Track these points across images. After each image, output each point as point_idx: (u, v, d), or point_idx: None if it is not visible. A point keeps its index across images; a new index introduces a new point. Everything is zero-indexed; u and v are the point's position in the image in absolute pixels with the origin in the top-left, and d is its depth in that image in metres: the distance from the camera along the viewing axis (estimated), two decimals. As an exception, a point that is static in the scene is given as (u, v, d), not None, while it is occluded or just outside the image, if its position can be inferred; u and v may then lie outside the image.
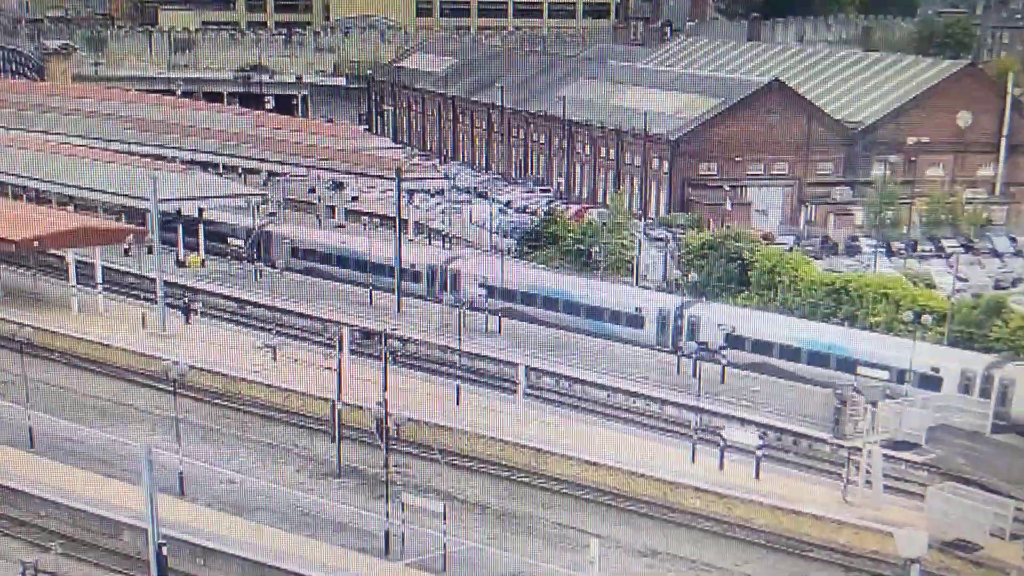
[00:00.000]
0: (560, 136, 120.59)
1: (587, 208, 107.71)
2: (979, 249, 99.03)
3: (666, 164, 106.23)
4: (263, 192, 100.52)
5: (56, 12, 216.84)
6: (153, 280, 73.02)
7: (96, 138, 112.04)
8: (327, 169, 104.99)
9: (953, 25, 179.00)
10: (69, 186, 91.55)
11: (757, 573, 46.95)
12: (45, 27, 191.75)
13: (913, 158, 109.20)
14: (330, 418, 56.84)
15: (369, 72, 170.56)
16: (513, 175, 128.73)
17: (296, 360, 62.81)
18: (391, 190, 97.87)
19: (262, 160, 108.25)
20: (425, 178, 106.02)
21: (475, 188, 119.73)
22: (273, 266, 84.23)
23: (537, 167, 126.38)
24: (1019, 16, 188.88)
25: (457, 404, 60.42)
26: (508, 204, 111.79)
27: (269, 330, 71.60)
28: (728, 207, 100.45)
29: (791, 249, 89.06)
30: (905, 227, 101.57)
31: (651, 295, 77.13)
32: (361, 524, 48.05)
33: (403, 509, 46.22)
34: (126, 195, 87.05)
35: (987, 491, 46.77)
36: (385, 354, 55.82)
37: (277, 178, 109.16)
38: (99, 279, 76.13)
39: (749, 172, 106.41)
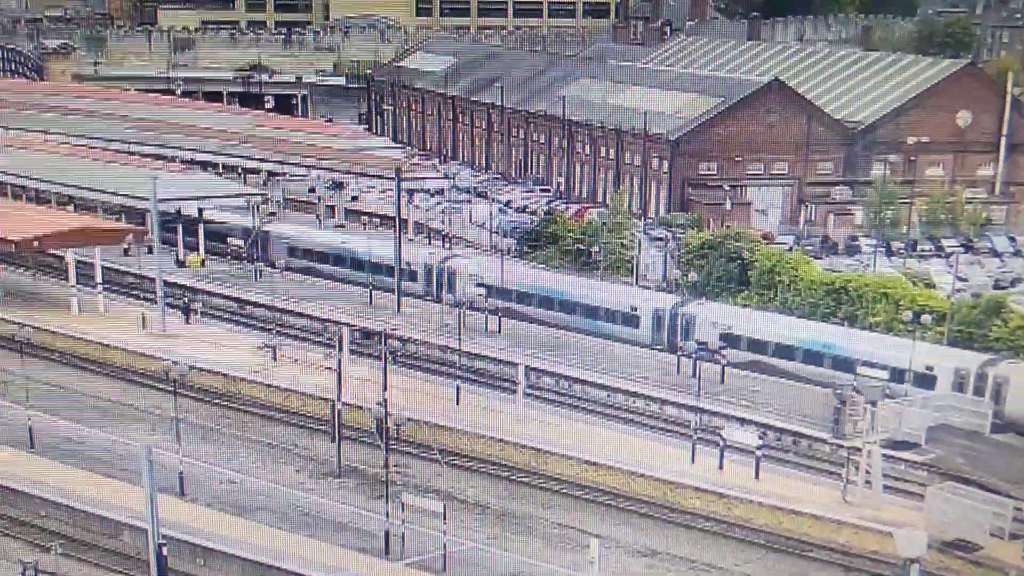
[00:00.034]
0: (560, 136, 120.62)
1: (587, 208, 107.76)
2: (979, 249, 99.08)
3: (666, 164, 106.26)
4: (263, 192, 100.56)
5: (55, 12, 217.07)
6: (153, 280, 73.10)
7: (96, 138, 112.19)
8: (327, 169, 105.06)
9: (953, 24, 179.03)
10: (69, 186, 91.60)
11: (757, 573, 46.95)
12: (44, 26, 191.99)
13: (913, 158, 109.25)
14: (330, 418, 56.87)
15: (369, 72, 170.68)
16: (513, 175, 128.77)
17: (296, 360, 62.85)
18: (391, 190, 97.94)
19: (262, 160, 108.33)
20: (425, 178, 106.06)
21: (475, 188, 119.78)
22: (273, 266, 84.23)
23: (537, 167, 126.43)
24: (1019, 16, 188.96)
25: (457, 404, 60.46)
26: (508, 204, 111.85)
27: (269, 330, 71.63)
28: (728, 207, 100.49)
29: (791, 249, 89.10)
30: (905, 227, 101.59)
31: (646, 294, 77.28)
32: (361, 524, 48.06)
33: (403, 509, 46.24)
34: (126, 195, 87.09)
35: (986, 491, 46.80)
36: (385, 354, 55.77)
37: (277, 178, 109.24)
38: (99, 279, 76.20)
39: (749, 172, 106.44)
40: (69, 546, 45.80)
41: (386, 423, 49.79)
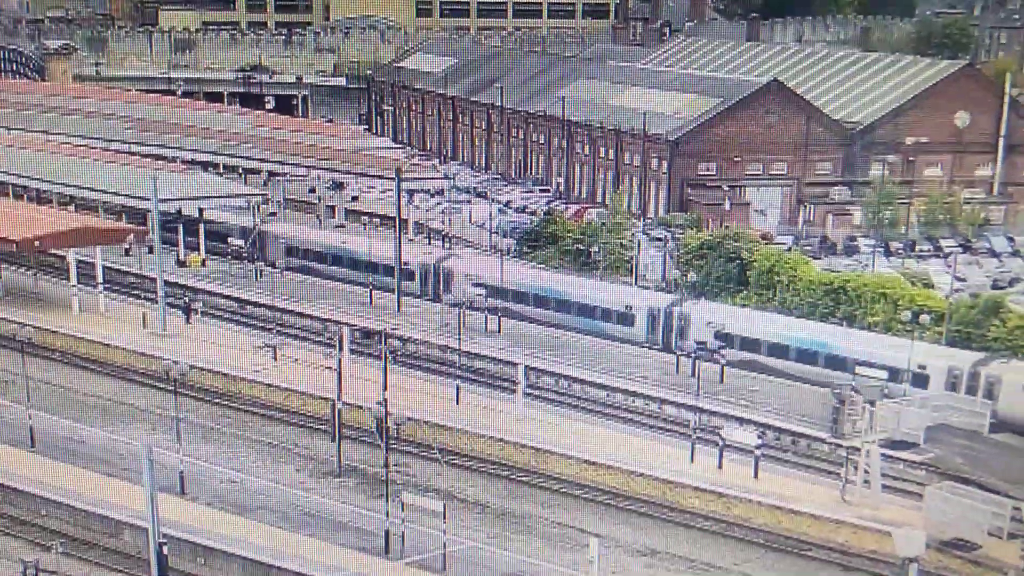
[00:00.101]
0: (559, 136, 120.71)
1: (586, 208, 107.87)
2: (977, 249, 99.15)
3: (665, 164, 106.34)
4: (263, 192, 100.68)
5: (57, 12, 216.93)
6: (154, 280, 73.23)
7: (97, 138, 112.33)
8: (327, 169, 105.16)
9: (951, 25, 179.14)
10: (70, 186, 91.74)
11: (756, 572, 47.05)
12: (46, 27, 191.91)
13: (911, 158, 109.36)
14: (330, 417, 56.99)
15: (369, 72, 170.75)
16: (512, 175, 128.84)
17: (296, 360, 62.94)
18: (391, 190, 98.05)
19: (262, 160, 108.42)
20: (425, 178, 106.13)
21: (475, 188, 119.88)
22: (273, 266, 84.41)
23: (536, 167, 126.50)
24: (1017, 17, 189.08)
25: (457, 403, 60.58)
26: (507, 204, 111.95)
27: (269, 330, 71.75)
28: (727, 207, 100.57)
29: (790, 249, 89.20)
30: (903, 227, 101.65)
31: (641, 293, 77.55)
32: (361, 523, 48.23)
33: (403, 508, 46.33)
34: (127, 195, 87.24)
35: (985, 490, 46.93)
36: (385, 353, 55.90)
37: (277, 178, 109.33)
38: (100, 279, 76.26)
39: (748, 172, 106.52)
40: (70, 545, 45.94)
41: (386, 422, 49.89)
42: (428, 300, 79.78)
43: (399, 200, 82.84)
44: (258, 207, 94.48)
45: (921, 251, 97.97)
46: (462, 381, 63.35)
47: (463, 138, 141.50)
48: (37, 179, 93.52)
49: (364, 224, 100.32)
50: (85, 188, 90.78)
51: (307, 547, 45.42)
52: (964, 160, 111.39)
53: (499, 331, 73.68)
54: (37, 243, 74.43)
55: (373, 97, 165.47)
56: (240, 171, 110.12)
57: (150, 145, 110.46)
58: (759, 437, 55.14)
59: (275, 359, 64.95)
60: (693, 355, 64.71)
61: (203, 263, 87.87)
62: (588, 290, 76.77)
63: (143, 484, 39.83)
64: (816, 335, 66.96)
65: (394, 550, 46.05)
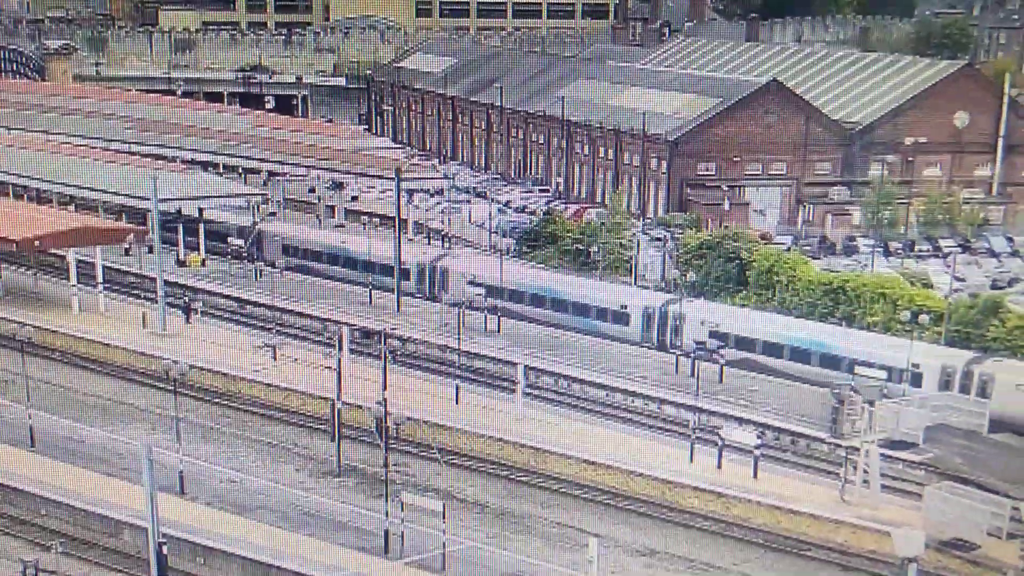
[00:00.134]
0: (559, 136, 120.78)
1: (586, 208, 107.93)
2: (976, 249, 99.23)
3: (664, 164, 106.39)
4: (263, 192, 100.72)
5: (57, 12, 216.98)
6: (153, 279, 73.25)
7: (97, 138, 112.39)
8: (327, 169, 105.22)
9: (950, 26, 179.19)
10: (70, 186, 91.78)
11: (755, 572, 47.07)
12: (46, 27, 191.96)
13: (910, 158, 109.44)
14: (330, 417, 57.04)
15: (369, 72, 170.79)
16: (512, 175, 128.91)
17: (296, 359, 62.98)
18: (391, 190, 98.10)
19: (262, 160, 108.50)
20: (424, 178, 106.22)
21: (474, 188, 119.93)
22: (273, 265, 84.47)
23: (536, 167, 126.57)
24: (1016, 17, 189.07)
25: (456, 403, 60.62)
26: (507, 204, 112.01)
27: (269, 329, 71.79)
28: (726, 207, 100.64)
29: (789, 249, 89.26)
30: (902, 227, 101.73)
31: (637, 292, 77.72)
32: (361, 523, 48.26)
33: (402, 508, 46.36)
34: (127, 195, 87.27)
35: (984, 490, 46.96)
36: (384, 353, 55.92)
37: (277, 178, 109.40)
38: (100, 278, 76.30)
39: (747, 172, 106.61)
40: (69, 545, 45.96)
41: (386, 422, 49.94)
42: (425, 299, 79.83)
43: (399, 200, 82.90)
44: (258, 207, 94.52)
45: (920, 251, 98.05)
46: (461, 381, 63.38)
47: (463, 138, 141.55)
48: (37, 179, 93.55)
49: (364, 224, 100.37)
50: (85, 188, 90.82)
51: (307, 547, 45.45)
52: (963, 160, 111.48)
53: (499, 331, 73.71)
54: (37, 243, 74.45)
55: (373, 97, 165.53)
56: (240, 171, 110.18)
57: (150, 145, 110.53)
58: (758, 437, 55.18)
59: (275, 359, 64.99)
60: (692, 355, 64.83)
61: (203, 263, 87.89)
62: (584, 289, 76.89)
63: (143, 484, 39.89)
64: (810, 334, 67.10)
65: (393, 550, 46.07)
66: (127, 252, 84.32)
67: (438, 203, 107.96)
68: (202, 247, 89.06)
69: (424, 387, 62.21)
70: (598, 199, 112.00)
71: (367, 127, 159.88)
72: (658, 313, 72.26)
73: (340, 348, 58.16)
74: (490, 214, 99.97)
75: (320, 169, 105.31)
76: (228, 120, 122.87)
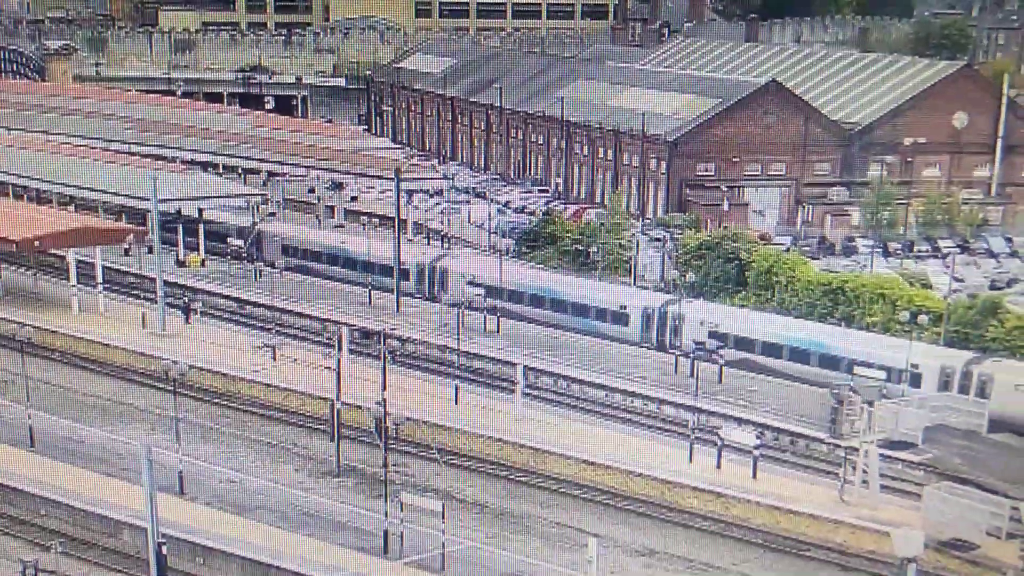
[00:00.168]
0: (558, 137, 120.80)
1: (585, 208, 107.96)
2: (975, 249, 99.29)
3: (664, 165, 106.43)
4: (263, 192, 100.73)
5: (57, 13, 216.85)
6: (153, 280, 73.25)
7: (96, 138, 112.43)
8: (326, 169, 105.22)
9: (949, 26, 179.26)
10: (70, 186, 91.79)
11: (754, 572, 47.10)
12: (46, 28, 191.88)
13: (909, 159, 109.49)
14: (329, 417, 57.06)
15: (368, 73, 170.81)
16: (512, 175, 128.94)
17: (295, 360, 63.01)
18: (390, 190, 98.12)
19: (262, 160, 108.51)
20: (424, 178, 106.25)
21: (474, 188, 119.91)
22: (272, 266, 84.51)
23: (535, 167, 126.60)
24: (1015, 18, 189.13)
25: (456, 403, 60.65)
26: (507, 204, 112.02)
27: (268, 330, 71.82)
28: (725, 207, 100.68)
29: (788, 249, 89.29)
30: (901, 227, 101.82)
31: (636, 293, 77.76)
32: (360, 523, 48.27)
33: (402, 508, 46.39)
34: (126, 195, 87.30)
35: (983, 490, 46.99)
36: (384, 353, 55.95)
37: (277, 178, 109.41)
38: (99, 279, 76.32)
39: (746, 173, 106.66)
40: (69, 545, 45.96)
41: (385, 422, 49.96)
42: (423, 300, 79.88)
43: (398, 200, 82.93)
44: (257, 207, 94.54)
45: (919, 251, 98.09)
46: (461, 381, 63.42)
47: (462, 138, 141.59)
48: (37, 179, 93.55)
49: (363, 224, 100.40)
50: (85, 188, 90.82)
51: (306, 547, 45.48)
52: (962, 161, 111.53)
53: (498, 331, 73.74)
54: (37, 243, 74.45)
55: (372, 97, 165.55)
56: (240, 171, 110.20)
57: (150, 145, 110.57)
58: (757, 437, 55.22)
59: (274, 359, 65.03)
60: (692, 355, 64.87)
61: (202, 263, 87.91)
62: (583, 289, 76.93)
63: (142, 484, 39.91)
64: (809, 335, 67.16)
65: (393, 550, 46.10)
66: (127, 252, 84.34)
67: (437, 203, 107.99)
68: (202, 247, 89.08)
69: (423, 387, 62.25)
70: (597, 199, 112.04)
71: (367, 127, 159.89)
72: (657, 314, 72.33)
73: (339, 348, 58.18)
74: (489, 214, 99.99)
75: (320, 169, 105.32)
76: (228, 120, 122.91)
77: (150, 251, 77.58)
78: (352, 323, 72.09)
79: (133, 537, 46.26)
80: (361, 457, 55.57)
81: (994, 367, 60.14)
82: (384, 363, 54.22)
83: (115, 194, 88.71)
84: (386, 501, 47.14)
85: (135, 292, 79.88)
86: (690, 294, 75.08)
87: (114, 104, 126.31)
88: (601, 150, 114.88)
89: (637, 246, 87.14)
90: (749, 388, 64.59)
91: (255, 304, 79.07)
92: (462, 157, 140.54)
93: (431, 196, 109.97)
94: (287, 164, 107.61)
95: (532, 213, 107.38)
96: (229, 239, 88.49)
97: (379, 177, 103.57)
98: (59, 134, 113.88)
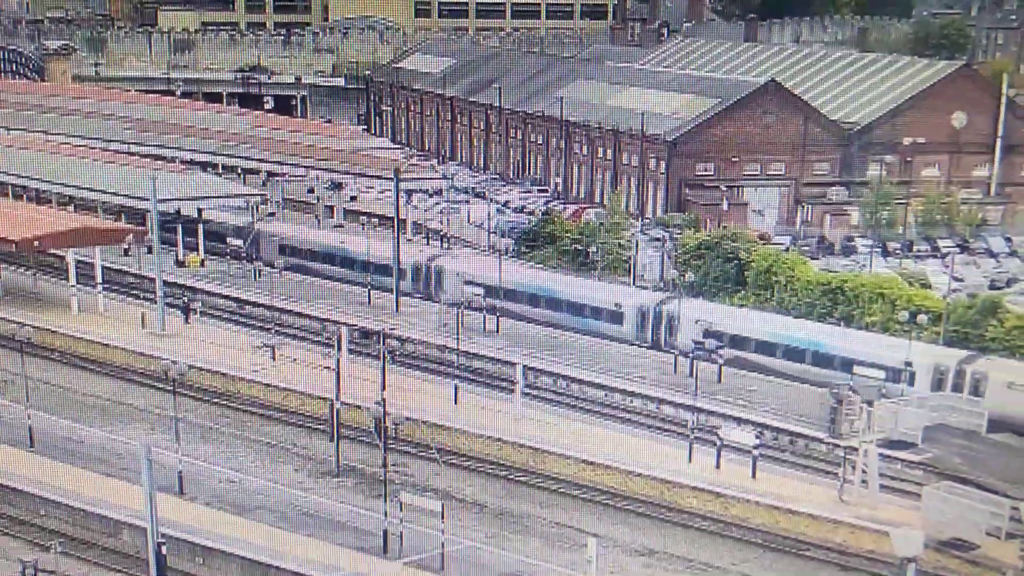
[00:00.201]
0: (558, 136, 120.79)
1: (584, 208, 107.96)
2: (975, 249, 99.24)
3: (663, 164, 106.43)
4: (262, 192, 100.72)
5: (56, 13, 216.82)
6: (152, 280, 73.25)
7: (96, 138, 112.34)
8: (326, 169, 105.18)
9: (948, 26, 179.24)
10: (69, 186, 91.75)
11: (754, 572, 47.11)
12: (45, 28, 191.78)
13: (909, 158, 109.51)
14: (329, 417, 57.06)
15: (368, 73, 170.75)
16: (511, 175, 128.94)
17: (295, 359, 63.00)
18: (390, 190, 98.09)
19: (261, 160, 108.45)
20: (423, 178, 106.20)
21: (473, 188, 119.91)
22: (271, 266, 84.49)
23: (535, 167, 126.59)
24: (1013, 17, 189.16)
25: (455, 403, 60.65)
26: (506, 204, 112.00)
27: (268, 330, 71.81)
28: (725, 207, 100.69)
29: (787, 249, 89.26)
30: (901, 227, 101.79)
31: (631, 291, 77.78)
32: (359, 523, 48.28)
33: (401, 508, 46.39)
34: (126, 195, 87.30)
35: (983, 490, 46.99)
36: (383, 353, 55.95)
37: (276, 178, 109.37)
38: (99, 279, 76.31)
39: (745, 172, 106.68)
40: (68, 545, 45.97)
41: (384, 422, 49.97)
42: (421, 299, 79.87)
43: (397, 200, 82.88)
44: (256, 207, 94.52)
45: (919, 251, 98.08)
46: (460, 381, 63.42)
47: (461, 138, 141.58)
48: (36, 179, 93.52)
49: (362, 224, 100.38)
50: (84, 188, 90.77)
51: (306, 547, 45.47)
52: (961, 160, 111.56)
53: (497, 331, 73.73)
54: (36, 243, 74.42)
55: (372, 97, 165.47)
56: (239, 171, 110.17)
57: (149, 145, 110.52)
58: (757, 437, 55.21)
59: (274, 359, 65.01)
60: (691, 355, 64.86)
61: (202, 263, 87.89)
62: (578, 288, 76.94)
63: (142, 484, 39.93)
64: (803, 333, 67.22)
65: (392, 550, 46.10)
66: (126, 252, 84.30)
67: (437, 203, 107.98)
68: (201, 247, 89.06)
69: (423, 387, 62.23)
70: (597, 199, 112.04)
71: (366, 127, 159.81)
72: (652, 312, 72.39)
73: (339, 348, 58.19)
74: (489, 214, 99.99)
75: (319, 169, 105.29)
76: (227, 120, 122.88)
77: (149, 251, 77.58)
78: (351, 323, 72.04)
79: (133, 537, 46.27)
80: (360, 457, 55.57)
81: (988, 366, 60.21)
82: (383, 363, 54.21)
83: (114, 194, 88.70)
84: (385, 501, 47.13)
85: (134, 292, 79.86)
86: (689, 294, 75.10)
87: (113, 104, 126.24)
88: (600, 150, 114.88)
89: (636, 246, 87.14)
90: (748, 388, 64.58)
91: (254, 304, 79.05)
92: (461, 157, 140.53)
93: (430, 196, 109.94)
94: (286, 164, 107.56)
95: (531, 213, 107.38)
96: (228, 239, 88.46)
97: (378, 177, 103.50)
98: (58, 134, 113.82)
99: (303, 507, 49.80)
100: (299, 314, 76.99)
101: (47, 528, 48.00)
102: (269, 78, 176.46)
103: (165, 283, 73.02)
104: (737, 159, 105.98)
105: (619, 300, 74.44)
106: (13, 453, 53.56)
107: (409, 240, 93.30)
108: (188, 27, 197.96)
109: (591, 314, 74.68)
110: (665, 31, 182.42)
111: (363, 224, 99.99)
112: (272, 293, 77.59)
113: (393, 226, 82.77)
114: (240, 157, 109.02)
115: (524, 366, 62.23)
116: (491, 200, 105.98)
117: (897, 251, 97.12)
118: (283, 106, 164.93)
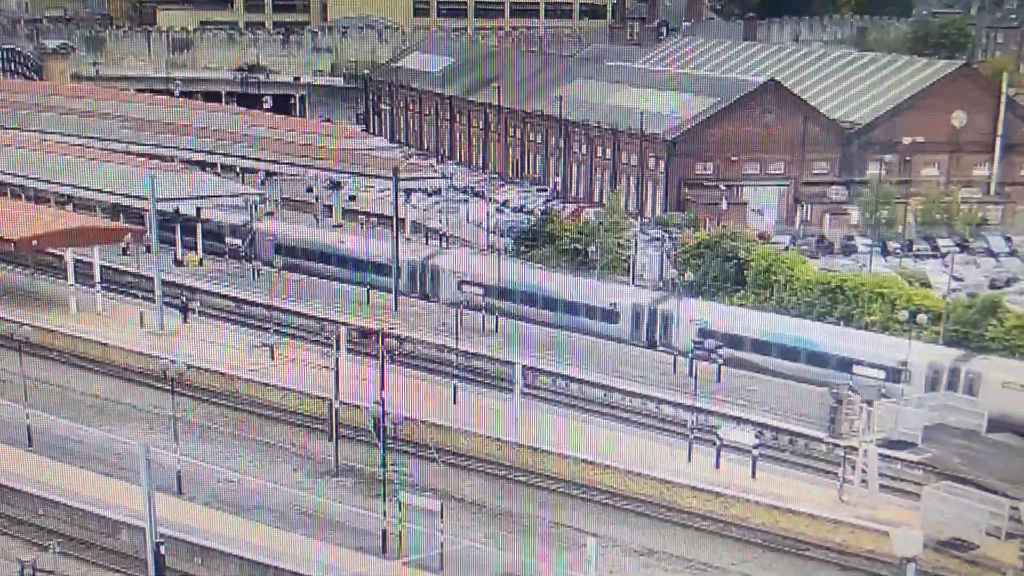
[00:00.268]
0: (557, 136, 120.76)
1: (583, 207, 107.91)
2: (974, 248, 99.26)
3: (662, 164, 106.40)
4: (260, 191, 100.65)
5: (55, 12, 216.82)
6: (151, 279, 73.21)
7: (94, 137, 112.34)
8: (324, 169, 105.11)
9: (948, 25, 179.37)
10: (67, 185, 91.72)
11: (753, 572, 47.05)
12: (44, 27, 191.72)
13: (908, 158, 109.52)
14: (327, 417, 56.98)
15: (366, 72, 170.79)
16: (510, 175, 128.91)
17: (293, 359, 62.93)
18: (388, 190, 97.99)
19: (259, 160, 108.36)
20: (422, 178, 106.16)
21: (472, 188, 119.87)
22: (270, 265, 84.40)
23: (534, 167, 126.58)
24: (1013, 17, 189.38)
25: (454, 403, 60.58)
26: (505, 203, 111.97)
27: (267, 329, 71.74)
28: (724, 206, 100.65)
29: (787, 248, 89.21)
30: (900, 226, 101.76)
31: (626, 291, 77.75)
32: (358, 523, 48.20)
33: (400, 508, 46.32)
34: (124, 194, 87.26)
35: (983, 490, 46.93)
36: (382, 353, 55.85)
37: (274, 178, 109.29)
38: (97, 278, 76.24)
39: (745, 172, 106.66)
40: (67, 545, 45.90)
41: (383, 422, 49.88)
42: (417, 298, 79.82)
43: (396, 200, 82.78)
44: (255, 206, 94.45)
45: (918, 251, 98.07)
46: (459, 380, 63.34)
47: (460, 138, 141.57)
48: (35, 178, 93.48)
49: (361, 223, 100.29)
50: (83, 187, 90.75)
51: (304, 547, 45.40)
52: (961, 160, 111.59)
53: (496, 330, 73.66)
54: (35, 242, 74.39)
55: (370, 97, 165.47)
56: (237, 171, 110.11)
57: (148, 144, 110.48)
58: (756, 437, 55.17)
59: (272, 358, 64.95)
60: (690, 354, 64.78)
61: (200, 262, 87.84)
62: (573, 287, 76.87)
63: (140, 483, 39.82)
64: (799, 332, 67.18)
65: (391, 550, 46.03)
66: (125, 252, 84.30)
67: (436, 203, 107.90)
68: (199, 247, 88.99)
69: (422, 387, 62.16)
70: (596, 199, 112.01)
71: (365, 127, 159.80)
72: (647, 311, 72.34)
73: (338, 348, 58.10)
74: (488, 213, 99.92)
75: (317, 169, 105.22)
76: (226, 120, 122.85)
77: (148, 250, 77.58)
78: (350, 322, 71.95)
79: (131, 537, 46.19)
80: (359, 457, 55.48)
81: (983, 365, 60.23)
82: (382, 362, 54.12)
83: (113, 193, 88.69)
84: (384, 501, 47.07)
85: (133, 291, 79.76)
86: (688, 293, 75.04)
87: (112, 103, 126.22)
88: (599, 149, 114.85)
89: (636, 245, 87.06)
90: (747, 387, 64.52)
91: (253, 303, 78.97)
92: (460, 156, 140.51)
93: (429, 195, 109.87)
94: (285, 163, 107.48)
95: (530, 212, 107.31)
96: (227, 238, 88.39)
97: (377, 176, 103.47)
98: (57, 133, 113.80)
99: (302, 507, 49.75)
100: (297, 313, 76.89)
101: (46, 528, 47.93)
102: (268, 77, 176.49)
103: (163, 282, 72.95)
104: (736, 158, 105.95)
105: (614, 299, 74.37)
106: (12, 452, 53.50)
107: (408, 239, 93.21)
108: (187, 26, 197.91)
109: (587, 313, 74.65)
110: (664, 30, 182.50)
111: (362, 223, 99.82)
112: (270, 292, 77.53)
113: (392, 225, 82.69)
114: (238, 156, 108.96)
115: (523, 366, 62.12)
116: (490, 199, 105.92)
117: (897, 250, 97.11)
118: (282, 105, 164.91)
